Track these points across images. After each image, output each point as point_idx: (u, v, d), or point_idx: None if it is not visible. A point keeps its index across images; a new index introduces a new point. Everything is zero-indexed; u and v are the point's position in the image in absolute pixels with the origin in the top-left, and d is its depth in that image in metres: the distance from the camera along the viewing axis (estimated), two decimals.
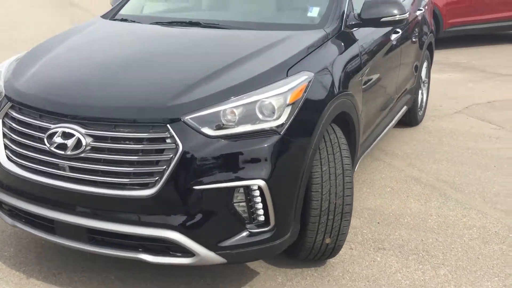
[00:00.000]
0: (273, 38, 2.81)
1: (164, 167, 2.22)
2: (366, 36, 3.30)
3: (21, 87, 2.62)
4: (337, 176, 2.58)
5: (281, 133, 2.31)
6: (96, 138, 2.30)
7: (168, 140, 2.23)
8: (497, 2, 9.33)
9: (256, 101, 2.30)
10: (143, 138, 2.25)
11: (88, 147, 2.29)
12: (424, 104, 5.41)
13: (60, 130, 2.33)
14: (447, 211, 3.48)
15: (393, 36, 3.77)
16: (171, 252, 2.35)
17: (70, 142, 2.29)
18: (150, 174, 2.24)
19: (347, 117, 2.86)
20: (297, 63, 2.57)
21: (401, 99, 4.42)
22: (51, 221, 2.47)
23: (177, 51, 2.88)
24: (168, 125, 2.23)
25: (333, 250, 2.71)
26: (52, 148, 2.33)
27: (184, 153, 2.20)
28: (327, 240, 2.64)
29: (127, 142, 2.26)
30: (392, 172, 4.11)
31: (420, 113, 5.27)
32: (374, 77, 3.40)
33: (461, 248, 3.03)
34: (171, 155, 2.21)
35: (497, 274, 2.77)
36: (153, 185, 2.23)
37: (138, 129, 2.26)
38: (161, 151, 2.24)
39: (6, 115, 2.58)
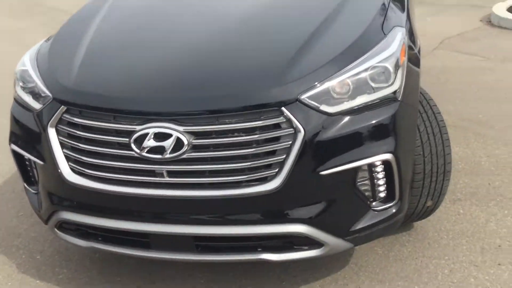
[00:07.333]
0: None
1: (284, 156, 1.94)
2: None
3: (75, 85, 2.16)
4: (435, 135, 2.42)
5: (400, 99, 2.09)
6: (198, 135, 1.96)
7: (283, 125, 1.95)
8: None
9: (367, 68, 2.05)
10: (255, 128, 1.94)
11: (190, 146, 1.95)
12: None
13: (150, 131, 1.96)
14: (492, 150, 3.46)
15: None
16: (295, 247, 2.11)
17: (168, 144, 1.94)
18: (268, 167, 1.96)
19: None
20: (385, 17, 2.33)
21: None
22: (143, 235, 2.14)
23: (254, 18, 2.49)
24: (283, 108, 1.94)
25: (430, 212, 2.59)
26: (144, 153, 1.97)
27: (306, 137, 1.93)
28: (429, 203, 2.50)
29: (236, 134, 1.95)
30: None
31: None
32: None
33: None
34: (290, 142, 1.94)
35: None
36: (272, 178, 1.96)
37: (246, 118, 1.95)
38: (277, 139, 1.95)
39: (61, 121, 2.15)
